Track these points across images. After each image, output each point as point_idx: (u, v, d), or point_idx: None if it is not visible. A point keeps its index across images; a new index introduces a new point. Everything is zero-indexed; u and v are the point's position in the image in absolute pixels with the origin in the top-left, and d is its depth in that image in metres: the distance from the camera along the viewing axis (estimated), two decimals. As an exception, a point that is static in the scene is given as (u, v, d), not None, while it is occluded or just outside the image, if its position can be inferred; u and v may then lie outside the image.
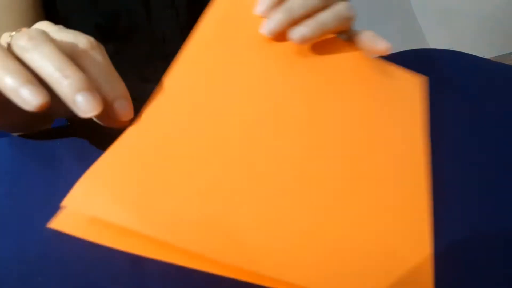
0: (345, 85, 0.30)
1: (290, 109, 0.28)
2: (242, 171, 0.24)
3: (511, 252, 0.21)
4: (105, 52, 0.27)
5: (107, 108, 0.26)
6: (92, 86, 0.25)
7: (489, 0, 1.75)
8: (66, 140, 0.31)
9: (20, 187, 0.28)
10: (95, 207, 0.21)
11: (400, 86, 0.30)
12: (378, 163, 0.25)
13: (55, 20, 0.53)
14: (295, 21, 0.32)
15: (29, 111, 0.24)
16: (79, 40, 0.26)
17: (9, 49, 0.25)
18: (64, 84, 0.24)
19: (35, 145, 0.30)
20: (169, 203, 0.22)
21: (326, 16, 0.33)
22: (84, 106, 0.24)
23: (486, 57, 0.53)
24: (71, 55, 0.25)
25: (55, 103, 0.25)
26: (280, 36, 0.32)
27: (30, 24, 0.29)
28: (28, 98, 0.23)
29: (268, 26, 0.32)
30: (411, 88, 0.30)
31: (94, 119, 0.27)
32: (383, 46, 0.34)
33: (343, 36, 0.36)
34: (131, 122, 0.26)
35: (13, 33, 0.26)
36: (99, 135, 0.29)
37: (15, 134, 0.32)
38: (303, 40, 0.32)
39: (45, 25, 0.29)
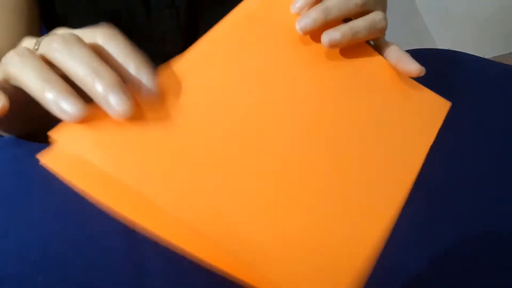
0: (364, 93, 0.30)
1: (305, 108, 0.28)
2: (245, 165, 0.25)
3: (510, 252, 0.22)
4: (122, 37, 0.27)
5: (137, 84, 0.26)
6: (125, 86, 0.25)
7: (490, 1, 1.75)
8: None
9: (20, 187, 0.28)
10: (81, 145, 0.24)
11: (420, 105, 0.30)
12: (368, 170, 0.25)
13: (54, 20, 0.53)
14: (330, 23, 0.33)
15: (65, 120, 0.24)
16: (98, 30, 0.27)
17: (38, 51, 0.26)
18: (97, 84, 0.24)
19: (35, 145, 0.30)
20: (157, 162, 0.23)
21: (360, 25, 0.33)
22: (116, 103, 0.25)
23: (486, 57, 0.53)
24: (96, 46, 0.26)
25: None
26: (310, 35, 0.33)
27: (25, 23, 0.29)
28: (69, 111, 0.24)
29: (302, 23, 0.33)
30: (431, 110, 0.29)
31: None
32: (415, 69, 0.34)
33: (369, 43, 0.37)
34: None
35: (37, 39, 0.27)
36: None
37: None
38: (333, 45, 0.32)
39: (62, 29, 0.29)
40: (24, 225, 0.24)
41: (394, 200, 0.23)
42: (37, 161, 0.29)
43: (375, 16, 0.35)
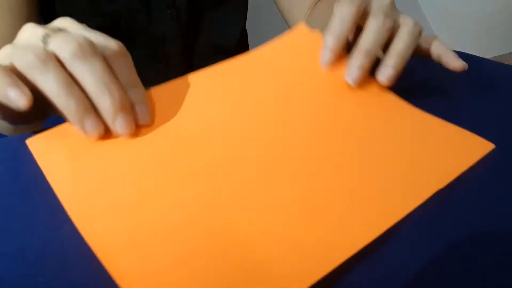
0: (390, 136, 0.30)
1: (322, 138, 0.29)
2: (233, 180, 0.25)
3: (509, 252, 0.22)
4: (131, 59, 0.28)
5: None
6: (130, 107, 0.27)
7: (490, 1, 1.75)
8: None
9: (20, 187, 0.27)
10: (45, 158, 0.27)
11: (451, 143, 0.29)
12: (369, 190, 0.25)
13: (54, 20, 0.53)
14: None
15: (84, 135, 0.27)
16: (111, 44, 0.27)
17: (47, 46, 0.26)
18: (107, 101, 0.26)
19: (35, 145, 0.30)
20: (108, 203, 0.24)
21: (404, 46, 0.32)
22: (121, 127, 0.27)
23: (486, 57, 0.53)
24: (105, 59, 0.27)
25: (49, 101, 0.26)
26: (337, 74, 0.33)
27: (23, 23, 0.29)
28: (89, 131, 0.26)
29: (354, 76, 0.32)
30: (467, 149, 0.28)
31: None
32: (458, 65, 0.33)
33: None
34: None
35: (48, 31, 0.26)
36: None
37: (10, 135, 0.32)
38: (391, 81, 0.32)
39: (68, 22, 0.29)
40: (24, 225, 0.24)
41: (382, 224, 0.23)
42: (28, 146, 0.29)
43: (409, 28, 0.33)
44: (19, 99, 0.24)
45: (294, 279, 0.20)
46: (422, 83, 0.41)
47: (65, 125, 0.28)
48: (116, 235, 0.22)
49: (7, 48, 0.27)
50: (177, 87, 0.32)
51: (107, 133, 0.27)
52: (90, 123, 0.26)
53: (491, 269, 0.20)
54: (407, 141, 0.29)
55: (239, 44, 0.63)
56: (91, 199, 0.24)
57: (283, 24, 0.65)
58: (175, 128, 0.29)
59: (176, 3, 0.54)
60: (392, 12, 0.33)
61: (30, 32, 0.27)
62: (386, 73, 0.32)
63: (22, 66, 0.25)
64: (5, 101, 0.24)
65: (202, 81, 0.33)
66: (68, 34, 0.26)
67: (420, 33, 0.34)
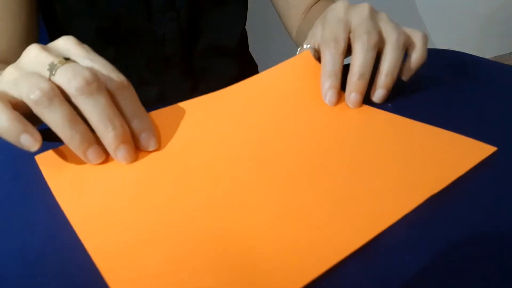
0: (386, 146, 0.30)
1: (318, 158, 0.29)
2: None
3: (509, 251, 0.21)
4: (134, 90, 0.30)
5: (136, 138, 0.30)
6: (131, 139, 0.29)
7: (490, 1, 1.75)
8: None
9: (20, 187, 0.28)
10: (52, 174, 0.28)
11: (448, 148, 0.29)
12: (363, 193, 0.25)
13: (55, 22, 0.53)
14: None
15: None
16: (114, 77, 0.29)
17: (53, 78, 0.27)
18: (110, 135, 0.28)
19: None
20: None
21: (392, 65, 0.35)
22: (122, 157, 0.29)
23: (486, 57, 0.53)
24: (108, 90, 0.28)
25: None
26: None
27: (24, 27, 0.29)
28: (91, 160, 0.28)
29: (353, 101, 0.35)
30: (465, 153, 0.28)
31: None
32: (377, 97, 0.36)
33: None
34: None
35: (56, 60, 0.28)
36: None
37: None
38: (384, 99, 0.36)
39: (71, 43, 0.30)
40: (24, 225, 0.24)
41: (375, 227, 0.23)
42: (36, 162, 0.29)
43: (393, 44, 0.35)
44: (32, 146, 0.26)
45: (289, 278, 0.20)
46: (422, 83, 0.41)
47: None
48: (114, 244, 0.22)
49: (11, 71, 0.28)
50: (179, 110, 0.34)
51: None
52: (92, 154, 0.28)
53: (491, 269, 0.20)
54: (404, 148, 0.29)
55: (239, 45, 0.63)
56: (93, 212, 0.25)
57: (282, 25, 0.66)
58: (179, 145, 0.31)
59: (176, 4, 0.54)
60: (374, 23, 0.35)
61: (35, 57, 0.28)
62: (378, 95, 0.36)
63: (29, 101, 0.26)
64: (17, 144, 0.27)
65: (203, 104, 0.35)
66: (75, 68, 0.27)
67: (404, 44, 0.36)
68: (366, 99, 0.36)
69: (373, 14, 0.36)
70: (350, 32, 0.36)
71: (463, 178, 0.26)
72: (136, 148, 0.30)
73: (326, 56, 0.36)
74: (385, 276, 0.20)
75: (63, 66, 0.27)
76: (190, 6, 0.55)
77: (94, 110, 0.27)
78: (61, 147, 0.30)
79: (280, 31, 0.69)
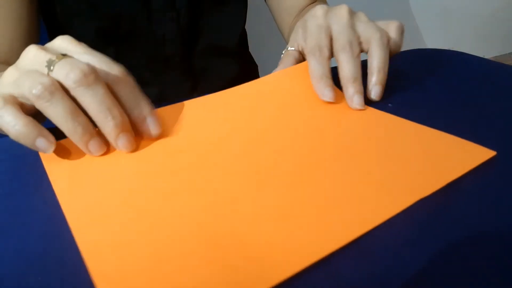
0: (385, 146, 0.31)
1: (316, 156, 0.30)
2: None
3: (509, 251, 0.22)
4: (133, 81, 0.30)
5: (139, 126, 0.31)
6: (131, 127, 0.30)
7: (489, 1, 1.75)
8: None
9: (20, 187, 0.28)
10: (52, 166, 0.29)
11: (446, 150, 0.29)
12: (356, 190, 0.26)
13: (56, 22, 0.53)
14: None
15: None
16: (112, 69, 0.29)
17: (52, 73, 0.28)
18: (110, 124, 0.28)
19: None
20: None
21: (380, 61, 0.36)
22: (122, 146, 0.29)
23: (486, 57, 0.53)
24: (106, 83, 0.29)
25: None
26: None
27: (25, 29, 0.30)
28: (93, 152, 0.29)
29: (360, 102, 0.35)
30: (464, 156, 0.28)
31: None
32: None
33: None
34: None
35: (53, 57, 0.28)
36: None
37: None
38: (381, 96, 0.37)
39: (69, 43, 0.30)
40: (24, 225, 0.24)
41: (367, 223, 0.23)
42: (36, 161, 0.29)
43: (377, 42, 0.36)
44: (47, 148, 0.28)
45: (278, 268, 0.20)
46: (422, 83, 0.41)
47: None
48: (106, 239, 0.22)
49: (12, 72, 0.29)
50: (178, 109, 0.35)
51: (112, 146, 0.30)
52: (94, 146, 0.29)
53: (491, 269, 0.20)
54: (401, 149, 0.29)
55: (239, 45, 0.63)
56: (89, 207, 0.25)
57: (281, 25, 0.66)
58: (177, 143, 0.31)
59: (176, 4, 0.54)
60: (353, 30, 0.37)
61: (33, 56, 0.29)
62: (375, 92, 0.36)
63: (31, 96, 0.27)
64: (32, 147, 0.28)
65: (203, 104, 0.36)
66: (72, 61, 0.28)
67: (388, 41, 0.37)
68: (366, 100, 0.36)
69: (352, 16, 0.38)
70: (331, 39, 0.37)
71: (463, 178, 0.26)
72: (141, 136, 0.31)
73: (313, 63, 0.37)
74: (385, 276, 0.20)
75: (60, 61, 0.28)
76: (190, 6, 0.55)
77: (93, 100, 0.27)
78: (62, 141, 0.30)
79: (279, 32, 0.69)
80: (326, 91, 0.36)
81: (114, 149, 0.30)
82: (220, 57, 0.61)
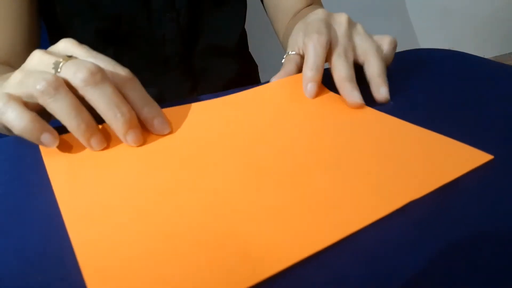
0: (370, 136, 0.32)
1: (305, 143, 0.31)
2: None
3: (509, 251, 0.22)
4: (139, 82, 0.31)
5: (149, 126, 0.31)
6: (138, 123, 0.30)
7: (489, 1, 1.75)
8: (66, 140, 0.31)
9: (20, 187, 0.28)
10: (51, 160, 0.29)
11: (442, 153, 0.29)
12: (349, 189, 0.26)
13: (56, 23, 0.53)
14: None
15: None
16: (118, 71, 0.30)
17: (59, 74, 0.28)
18: (119, 121, 0.29)
19: (35, 145, 0.30)
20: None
21: (379, 68, 0.37)
22: (131, 141, 0.30)
23: (486, 57, 0.53)
24: (115, 84, 0.29)
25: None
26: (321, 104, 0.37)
27: (26, 29, 0.30)
28: (94, 147, 0.29)
29: (358, 100, 0.35)
30: (459, 159, 0.28)
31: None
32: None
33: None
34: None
35: (59, 59, 0.29)
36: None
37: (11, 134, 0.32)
38: (388, 95, 0.37)
39: (71, 45, 0.31)
40: (24, 225, 0.24)
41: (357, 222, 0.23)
42: (37, 161, 0.29)
43: (373, 55, 0.37)
44: (51, 143, 0.28)
45: (273, 260, 0.20)
46: (422, 83, 0.41)
47: None
48: (100, 237, 0.22)
49: (17, 74, 0.29)
50: (178, 111, 0.35)
51: (111, 142, 0.31)
52: (95, 141, 0.29)
53: (491, 269, 0.20)
54: (397, 151, 0.30)
55: (239, 45, 0.63)
56: (87, 201, 0.25)
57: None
58: (176, 143, 0.31)
59: (176, 4, 0.54)
60: (350, 41, 0.38)
61: (39, 59, 0.30)
62: (382, 92, 0.37)
63: (36, 92, 0.27)
64: (37, 142, 0.28)
65: (204, 107, 0.36)
66: (79, 62, 0.28)
67: (383, 54, 0.38)
68: (369, 101, 0.36)
69: (350, 26, 0.39)
70: (330, 41, 0.37)
71: (464, 179, 0.26)
72: (147, 132, 0.32)
73: (309, 48, 0.37)
74: (385, 276, 0.20)
75: (67, 63, 0.28)
76: (190, 6, 0.55)
77: (102, 99, 0.28)
78: (63, 136, 0.30)
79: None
80: (309, 86, 0.37)
81: (115, 145, 0.30)
82: (220, 57, 0.61)
